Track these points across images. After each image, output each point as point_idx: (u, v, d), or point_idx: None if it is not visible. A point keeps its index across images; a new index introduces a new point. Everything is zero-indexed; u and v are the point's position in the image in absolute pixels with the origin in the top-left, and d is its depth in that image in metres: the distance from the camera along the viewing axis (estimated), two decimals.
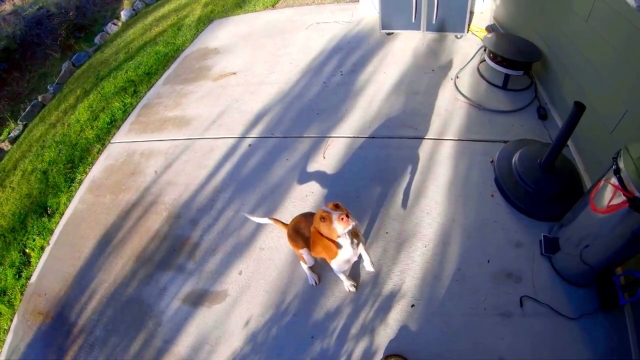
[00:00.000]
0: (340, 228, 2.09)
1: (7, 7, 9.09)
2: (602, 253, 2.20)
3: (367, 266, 2.79)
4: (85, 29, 8.32)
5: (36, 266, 3.74)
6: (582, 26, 2.98)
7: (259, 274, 3.01)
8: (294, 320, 2.71)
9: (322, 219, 2.12)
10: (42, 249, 3.87)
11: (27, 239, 4.06)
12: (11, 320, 3.41)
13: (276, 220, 3.05)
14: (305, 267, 2.83)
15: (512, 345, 2.33)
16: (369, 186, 3.35)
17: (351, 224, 2.09)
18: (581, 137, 3.11)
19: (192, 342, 2.78)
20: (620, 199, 1.91)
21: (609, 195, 2.00)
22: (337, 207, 2.17)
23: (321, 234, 2.21)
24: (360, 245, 2.48)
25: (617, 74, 2.61)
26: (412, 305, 2.60)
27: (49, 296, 3.40)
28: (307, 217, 2.66)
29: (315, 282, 2.83)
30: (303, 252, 2.68)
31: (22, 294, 3.56)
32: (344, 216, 2.04)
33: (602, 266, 2.27)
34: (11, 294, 3.61)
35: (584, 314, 2.35)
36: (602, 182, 2.08)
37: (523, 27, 4.18)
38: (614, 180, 1.94)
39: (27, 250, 3.96)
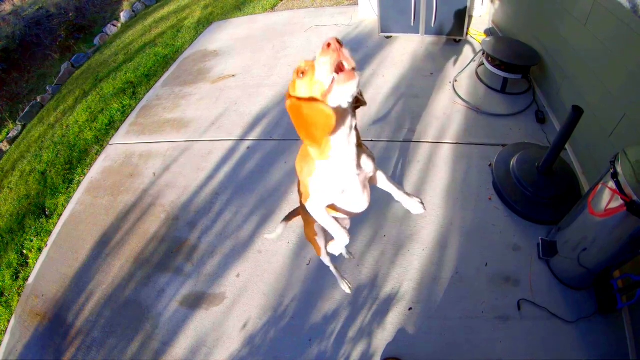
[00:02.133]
0: (325, 65, 1.17)
1: (7, 7, 9.08)
2: (599, 256, 2.21)
3: (413, 207, 1.70)
4: (84, 30, 8.33)
5: (34, 267, 3.72)
6: (580, 30, 3.00)
7: (256, 276, 3.01)
8: (291, 323, 2.71)
9: (301, 73, 1.26)
10: (40, 250, 3.86)
11: (25, 240, 4.05)
12: (8, 322, 3.39)
13: (290, 218, 2.46)
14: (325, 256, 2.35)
15: (509, 348, 2.33)
16: None
17: (352, 72, 1.19)
18: (579, 141, 3.13)
19: (189, 344, 2.77)
20: (618, 202, 1.92)
21: (607, 199, 2.01)
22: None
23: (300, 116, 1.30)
24: (379, 175, 1.69)
25: (615, 77, 2.63)
26: (410, 309, 2.60)
27: (47, 297, 3.39)
28: None
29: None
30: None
31: (19, 295, 3.55)
32: (331, 41, 1.16)
33: (600, 269, 2.28)
34: (8, 295, 3.60)
35: (582, 317, 2.35)
36: (599, 186, 2.09)
37: (522, 30, 4.20)
38: (611, 184, 1.95)
39: (24, 251, 3.95)
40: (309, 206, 1.60)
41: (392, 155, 3.57)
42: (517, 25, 4.36)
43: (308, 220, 2.07)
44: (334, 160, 1.42)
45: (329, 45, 1.16)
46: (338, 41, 1.16)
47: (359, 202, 1.64)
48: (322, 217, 1.62)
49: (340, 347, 2.53)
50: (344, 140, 1.38)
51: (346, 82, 1.17)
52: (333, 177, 1.48)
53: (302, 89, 1.26)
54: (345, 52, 1.18)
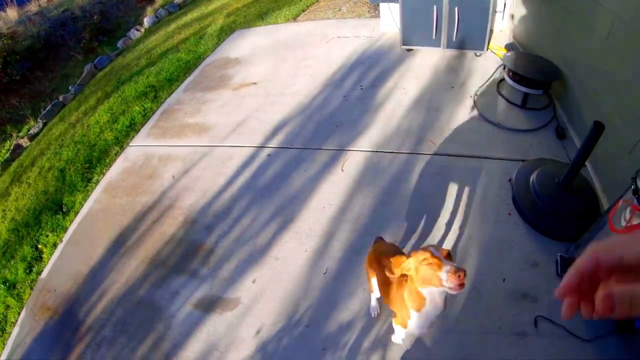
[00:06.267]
0: (450, 282, 1.50)
1: (33, 7, 9.28)
2: None
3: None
4: (108, 33, 8.48)
5: (48, 262, 3.77)
6: (601, 45, 2.99)
7: (272, 283, 3.00)
8: (305, 332, 2.69)
9: (429, 263, 1.57)
10: (55, 245, 3.90)
11: (41, 234, 4.10)
12: (19, 314, 3.43)
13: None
14: (373, 296, 2.55)
15: None
16: (386, 201, 3.35)
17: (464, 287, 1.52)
18: (599, 157, 3.08)
19: (201, 348, 2.77)
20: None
21: (628, 216, 1.98)
22: (449, 256, 1.64)
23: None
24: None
25: (636, 93, 2.61)
26: None
27: (59, 292, 3.42)
28: (388, 245, 2.45)
29: (377, 313, 2.64)
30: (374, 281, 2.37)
31: (31, 288, 3.59)
32: (461, 274, 1.48)
33: None
34: (20, 288, 3.64)
35: (599, 336, 2.31)
36: (621, 202, 2.06)
37: (542, 45, 4.19)
38: (633, 200, 1.92)
39: (39, 246, 4.00)
40: (395, 323, 2.17)
41: (412, 167, 3.57)
42: (537, 40, 4.35)
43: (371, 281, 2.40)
44: (424, 313, 1.81)
45: (459, 276, 1.47)
46: (465, 274, 1.49)
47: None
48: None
49: (354, 357, 2.51)
50: (436, 305, 1.77)
51: (455, 290, 1.51)
52: (421, 322, 1.90)
53: (424, 272, 1.59)
54: (464, 278, 1.49)
